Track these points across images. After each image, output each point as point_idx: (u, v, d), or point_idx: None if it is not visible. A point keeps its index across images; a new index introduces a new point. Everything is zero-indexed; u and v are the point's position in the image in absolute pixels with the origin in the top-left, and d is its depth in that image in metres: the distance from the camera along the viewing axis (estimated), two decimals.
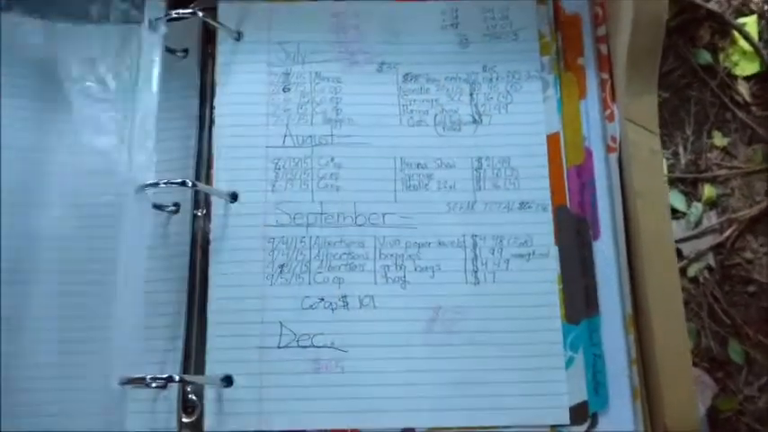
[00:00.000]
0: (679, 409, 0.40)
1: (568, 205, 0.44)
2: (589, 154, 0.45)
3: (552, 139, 0.45)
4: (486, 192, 0.44)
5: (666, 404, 0.40)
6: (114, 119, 0.46)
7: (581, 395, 0.41)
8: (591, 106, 0.46)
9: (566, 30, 0.47)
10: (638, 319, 0.43)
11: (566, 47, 0.47)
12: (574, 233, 0.43)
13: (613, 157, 0.45)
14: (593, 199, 0.44)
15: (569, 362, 0.41)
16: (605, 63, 0.47)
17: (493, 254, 0.43)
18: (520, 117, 0.45)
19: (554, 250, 0.43)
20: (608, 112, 0.46)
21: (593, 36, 0.47)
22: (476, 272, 0.43)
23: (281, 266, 0.42)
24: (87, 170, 0.45)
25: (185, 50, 0.47)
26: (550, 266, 0.43)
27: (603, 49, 0.47)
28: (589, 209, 0.44)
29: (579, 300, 0.42)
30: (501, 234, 0.43)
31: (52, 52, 0.47)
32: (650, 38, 0.42)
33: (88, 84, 0.47)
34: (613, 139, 0.45)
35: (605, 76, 0.46)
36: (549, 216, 0.44)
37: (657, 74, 0.44)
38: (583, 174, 0.44)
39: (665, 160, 1.08)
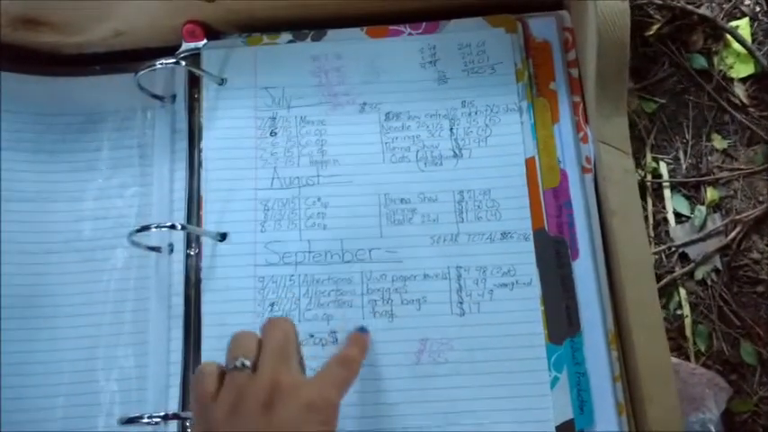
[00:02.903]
0: (664, 424, 0.41)
1: (546, 228, 0.45)
2: (564, 176, 0.46)
3: (528, 164, 0.46)
4: (468, 224, 0.45)
5: (651, 419, 0.41)
6: (112, 167, 0.49)
7: (567, 414, 0.42)
8: (564, 129, 0.47)
9: (536, 56, 0.49)
10: (620, 336, 0.44)
11: (537, 73, 0.48)
12: (553, 254, 0.45)
13: (589, 177, 0.46)
14: (570, 220, 0.45)
15: (554, 382, 0.42)
16: (577, 86, 0.48)
17: (477, 284, 0.44)
18: (499, 149, 0.47)
19: (536, 279, 0.44)
20: (581, 134, 0.47)
21: (563, 61, 0.48)
22: (461, 303, 0.44)
23: (272, 304, 0.44)
24: (87, 216, 0.48)
25: (173, 96, 0.49)
26: (533, 295, 0.44)
27: (575, 72, 0.48)
28: (567, 230, 0.45)
29: (561, 320, 0.43)
30: (484, 265, 0.45)
31: (51, 104, 0.49)
32: (615, 63, 0.44)
33: (87, 133, 0.49)
34: (588, 159, 0.46)
35: (577, 99, 0.48)
36: (531, 245, 0.45)
37: (626, 96, 0.45)
38: (559, 195, 0.46)
39: (665, 165, 1.09)
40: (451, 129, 0.47)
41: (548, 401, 0.42)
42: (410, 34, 0.49)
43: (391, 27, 0.49)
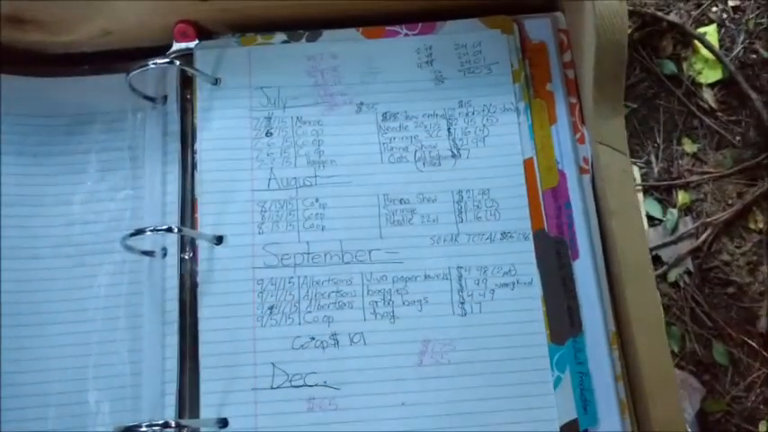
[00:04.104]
0: (666, 422, 0.41)
1: (546, 228, 0.45)
2: (563, 177, 0.46)
3: (527, 165, 0.46)
4: (468, 224, 0.45)
5: (653, 417, 0.41)
6: (101, 169, 0.47)
7: (570, 414, 0.42)
8: (562, 130, 0.47)
9: (533, 57, 0.49)
10: (621, 335, 0.44)
11: (534, 74, 0.48)
12: (553, 255, 0.45)
13: (587, 178, 0.46)
14: (569, 220, 0.45)
15: (557, 382, 0.42)
16: (573, 87, 0.48)
17: (478, 285, 0.44)
18: (497, 149, 0.47)
19: (537, 279, 0.44)
20: (578, 135, 0.47)
21: (559, 62, 0.49)
22: (462, 303, 0.44)
23: (271, 308, 0.43)
24: (76, 220, 0.46)
25: (164, 97, 0.48)
26: (534, 294, 0.44)
27: (570, 73, 0.48)
28: (567, 230, 0.45)
29: (563, 320, 0.43)
30: (485, 265, 0.44)
31: (38, 106, 0.48)
32: (613, 64, 0.44)
33: (75, 135, 0.48)
34: (585, 160, 0.47)
35: (573, 100, 0.48)
36: (531, 245, 0.45)
37: (623, 97, 0.45)
38: (558, 196, 0.46)
39: (637, 169, 1.10)
40: (449, 129, 0.47)
41: (551, 401, 0.42)
42: (406, 35, 0.49)
43: (387, 28, 0.49)
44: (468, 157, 0.46)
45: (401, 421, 0.42)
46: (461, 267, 0.44)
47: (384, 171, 0.46)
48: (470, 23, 0.49)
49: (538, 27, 0.49)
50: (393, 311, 0.43)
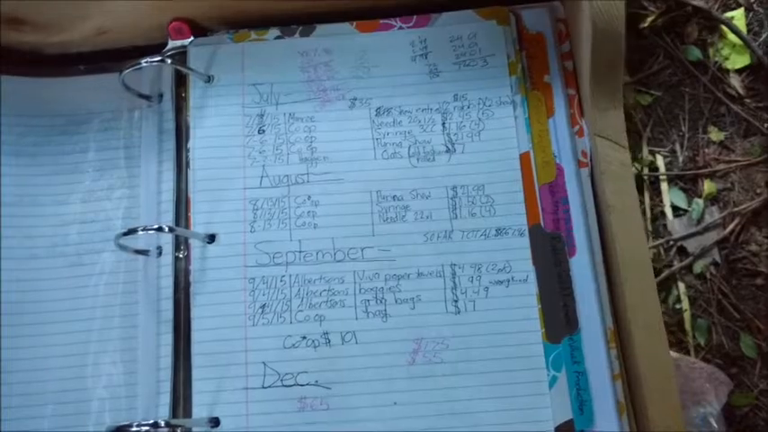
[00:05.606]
0: (664, 422, 0.40)
1: (542, 224, 0.44)
2: (560, 171, 0.45)
3: (523, 159, 0.46)
4: (462, 220, 0.44)
5: (651, 417, 0.40)
6: (98, 169, 0.48)
7: (566, 414, 0.41)
8: (559, 123, 0.46)
9: (530, 48, 0.48)
10: (619, 334, 0.43)
11: (531, 65, 0.47)
12: (550, 251, 0.44)
13: (585, 171, 0.45)
14: (567, 215, 0.44)
15: (552, 381, 0.42)
16: (571, 79, 0.47)
17: (472, 282, 0.43)
18: (492, 144, 0.46)
19: (533, 276, 0.43)
20: (577, 127, 0.46)
21: (557, 53, 0.47)
22: (456, 301, 0.43)
23: (263, 306, 0.43)
24: (72, 220, 0.46)
25: (160, 96, 0.48)
26: (529, 291, 0.43)
27: (569, 65, 0.47)
28: (564, 226, 0.44)
29: (559, 318, 0.43)
30: (479, 262, 0.44)
31: (34, 106, 0.48)
32: (610, 54, 0.43)
33: (71, 135, 0.48)
34: (584, 153, 0.46)
35: (572, 91, 0.47)
36: (526, 241, 0.44)
37: (621, 88, 0.44)
38: (555, 191, 0.45)
39: (662, 158, 1.08)
40: (444, 123, 0.46)
41: (546, 401, 0.41)
42: (401, 28, 0.48)
43: (381, 21, 0.48)
44: (463, 152, 0.46)
45: (393, 421, 0.41)
46: (455, 265, 0.44)
47: (377, 167, 0.45)
48: (465, 15, 0.48)
49: (535, 17, 0.48)
50: (385, 310, 0.43)
